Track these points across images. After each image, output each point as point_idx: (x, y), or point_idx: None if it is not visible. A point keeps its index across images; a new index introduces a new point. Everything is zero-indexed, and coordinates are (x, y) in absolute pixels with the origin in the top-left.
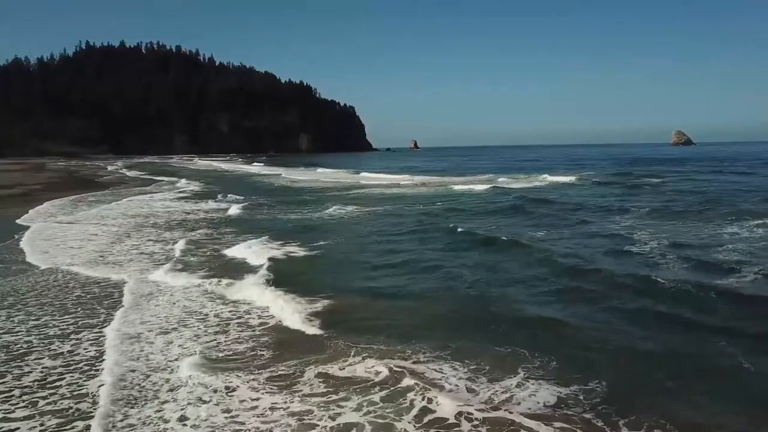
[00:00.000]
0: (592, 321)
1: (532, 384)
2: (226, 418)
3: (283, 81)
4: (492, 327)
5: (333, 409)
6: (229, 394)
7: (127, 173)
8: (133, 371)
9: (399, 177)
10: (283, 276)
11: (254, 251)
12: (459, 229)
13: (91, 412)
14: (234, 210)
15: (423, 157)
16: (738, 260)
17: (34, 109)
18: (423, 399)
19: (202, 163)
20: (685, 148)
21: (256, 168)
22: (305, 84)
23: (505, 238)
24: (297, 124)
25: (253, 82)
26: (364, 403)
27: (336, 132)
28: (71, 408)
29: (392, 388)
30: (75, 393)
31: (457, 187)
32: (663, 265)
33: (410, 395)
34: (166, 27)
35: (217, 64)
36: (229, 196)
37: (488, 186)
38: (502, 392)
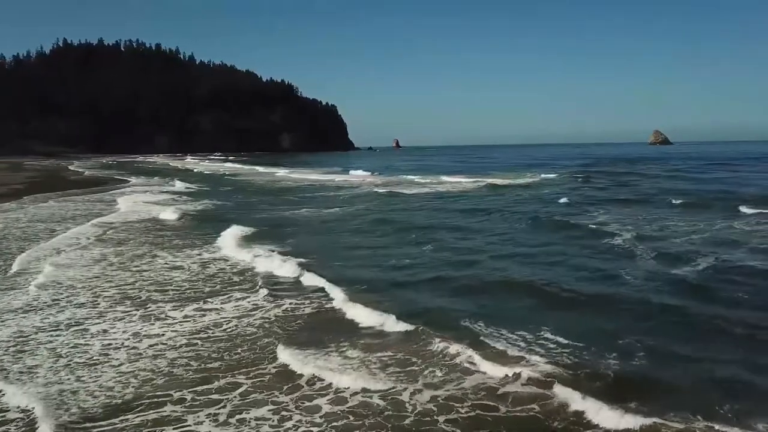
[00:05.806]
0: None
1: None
2: None
3: (264, 80)
4: None
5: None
6: None
7: (86, 172)
8: None
9: (325, 177)
10: None
11: None
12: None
13: None
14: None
15: (395, 156)
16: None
17: (14, 107)
18: None
19: (161, 161)
20: (660, 147)
21: (204, 165)
22: (287, 83)
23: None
24: (279, 123)
25: (236, 81)
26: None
27: (318, 131)
28: None
29: None
30: None
31: (349, 190)
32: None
33: None
34: (140, 26)
35: (197, 62)
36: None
37: (387, 189)
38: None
